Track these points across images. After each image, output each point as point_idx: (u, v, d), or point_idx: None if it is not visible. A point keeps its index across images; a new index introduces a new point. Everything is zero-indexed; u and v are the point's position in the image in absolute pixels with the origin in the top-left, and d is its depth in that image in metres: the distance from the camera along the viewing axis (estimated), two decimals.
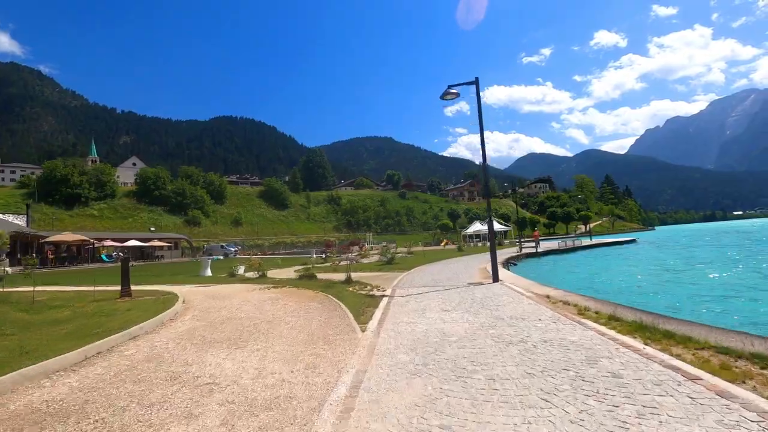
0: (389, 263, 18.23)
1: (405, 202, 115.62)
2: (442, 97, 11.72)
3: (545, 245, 29.08)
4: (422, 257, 23.35)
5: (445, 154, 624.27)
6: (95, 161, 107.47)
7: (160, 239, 48.45)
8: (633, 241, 36.28)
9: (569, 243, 30.15)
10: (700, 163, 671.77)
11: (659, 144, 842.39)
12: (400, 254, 27.57)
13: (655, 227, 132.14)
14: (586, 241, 32.73)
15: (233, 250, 53.10)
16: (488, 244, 45.13)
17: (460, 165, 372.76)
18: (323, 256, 27.23)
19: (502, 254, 23.49)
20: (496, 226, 43.11)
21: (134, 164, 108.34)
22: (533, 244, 26.94)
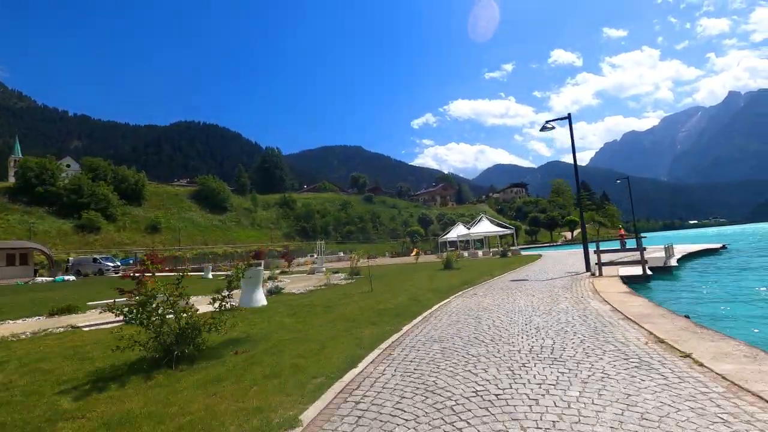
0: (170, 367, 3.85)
1: (371, 207, 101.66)
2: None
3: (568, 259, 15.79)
4: (366, 297, 9.07)
5: (413, 163, 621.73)
6: (17, 161, 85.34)
7: None
8: (723, 248, 24.09)
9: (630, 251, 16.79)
10: (654, 175, 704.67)
11: (617, 156, 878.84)
12: (334, 281, 13.13)
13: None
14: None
15: (112, 266, 36.70)
16: (479, 254, 30.92)
17: (429, 174, 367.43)
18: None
19: (550, 274, 9.83)
20: (497, 229, 29.90)
21: (68, 166, 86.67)
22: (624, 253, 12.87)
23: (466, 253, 32.33)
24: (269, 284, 13.24)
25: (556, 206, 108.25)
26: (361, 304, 7.78)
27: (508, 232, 30.71)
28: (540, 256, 22.45)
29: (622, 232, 30.52)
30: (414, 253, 38.55)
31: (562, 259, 19.27)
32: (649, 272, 10.20)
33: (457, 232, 33.47)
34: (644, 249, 10.44)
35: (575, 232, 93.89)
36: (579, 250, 31.80)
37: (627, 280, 9.60)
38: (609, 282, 8.88)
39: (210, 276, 25.21)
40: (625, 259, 14.00)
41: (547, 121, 12.06)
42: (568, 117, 11.79)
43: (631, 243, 30.21)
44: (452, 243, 37.65)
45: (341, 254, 55.54)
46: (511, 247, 27.68)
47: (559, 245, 74.40)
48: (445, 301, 7.85)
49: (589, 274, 10.90)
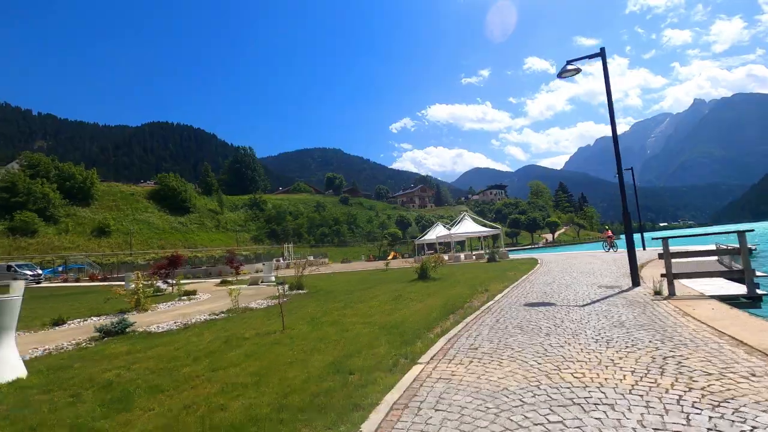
0: None
1: (346, 209, 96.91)
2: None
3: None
4: (258, 349, 4.69)
5: (392, 167, 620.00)
6: None
7: None
8: (754, 249, 20.96)
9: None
10: (625, 179, 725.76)
11: (591, 161, 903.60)
12: (249, 303, 8.67)
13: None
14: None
15: (31, 274, 30.79)
16: (461, 258, 26.37)
17: (408, 177, 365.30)
18: None
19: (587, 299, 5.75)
20: (483, 230, 26.07)
21: None
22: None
23: (446, 257, 28.29)
24: (133, 316, 8.73)
25: (536, 207, 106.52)
26: (219, 382, 3.39)
27: (495, 232, 26.71)
28: (537, 260, 18.57)
29: (610, 233, 27.96)
30: (390, 257, 34.32)
31: (568, 264, 15.39)
32: (759, 291, 6.19)
33: (437, 233, 29.43)
34: (753, 249, 6.28)
35: (557, 234, 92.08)
36: (576, 252, 28.33)
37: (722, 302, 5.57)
38: (721, 314, 4.75)
39: (130, 287, 20.05)
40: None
41: (569, 61, 8.07)
42: (602, 52, 7.92)
43: (621, 245, 27.15)
44: (431, 245, 33.54)
45: (311, 258, 51.00)
46: (499, 249, 23.87)
47: (541, 247, 71.77)
48: (408, 380, 3.42)
49: (650, 292, 6.85)
